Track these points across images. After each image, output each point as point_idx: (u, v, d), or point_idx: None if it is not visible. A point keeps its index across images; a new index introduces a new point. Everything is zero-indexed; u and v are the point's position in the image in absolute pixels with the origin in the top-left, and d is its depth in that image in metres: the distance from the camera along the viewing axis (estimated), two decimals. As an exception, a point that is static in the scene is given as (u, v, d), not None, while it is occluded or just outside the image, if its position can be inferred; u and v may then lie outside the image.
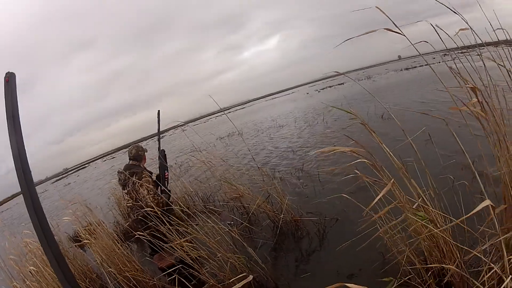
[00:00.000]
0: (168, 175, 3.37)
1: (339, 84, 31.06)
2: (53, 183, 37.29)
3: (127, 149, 3.54)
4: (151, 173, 3.35)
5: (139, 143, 3.51)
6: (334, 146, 1.64)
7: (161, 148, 3.36)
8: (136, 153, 3.38)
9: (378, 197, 1.38)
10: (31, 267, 2.78)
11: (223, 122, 25.73)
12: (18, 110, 1.02)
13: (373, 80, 23.08)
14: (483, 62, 1.55)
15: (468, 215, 1.15)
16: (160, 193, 3.25)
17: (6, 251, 3.17)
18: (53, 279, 2.72)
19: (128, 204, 3.21)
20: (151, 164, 4.28)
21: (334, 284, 0.92)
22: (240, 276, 1.75)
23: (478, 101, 1.39)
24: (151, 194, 3.04)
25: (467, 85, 1.40)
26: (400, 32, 1.36)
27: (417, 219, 1.54)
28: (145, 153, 3.49)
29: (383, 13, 1.35)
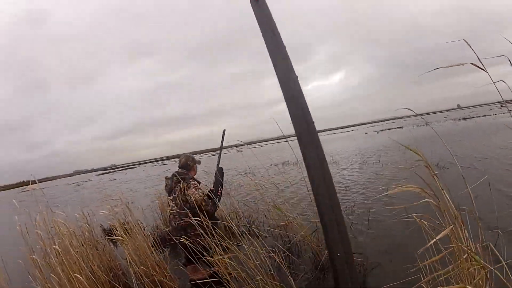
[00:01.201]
0: (221, 192, 3.36)
1: (397, 128, 29.92)
2: (98, 175, 38.82)
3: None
4: (199, 182, 3.36)
5: (192, 154, 3.56)
6: (400, 185, 1.63)
7: (219, 165, 3.39)
8: (185, 162, 3.41)
9: (435, 239, 1.34)
10: (56, 247, 2.73)
11: (279, 149, 25.82)
12: (276, 28, 0.91)
13: (432, 127, 21.89)
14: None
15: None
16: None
17: (34, 224, 3.07)
18: (76, 263, 2.67)
19: (172, 211, 3.18)
20: (203, 177, 4.39)
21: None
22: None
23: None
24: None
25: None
26: (483, 68, 1.36)
27: (475, 263, 1.44)
28: (197, 164, 3.51)
29: (470, 47, 1.35)
